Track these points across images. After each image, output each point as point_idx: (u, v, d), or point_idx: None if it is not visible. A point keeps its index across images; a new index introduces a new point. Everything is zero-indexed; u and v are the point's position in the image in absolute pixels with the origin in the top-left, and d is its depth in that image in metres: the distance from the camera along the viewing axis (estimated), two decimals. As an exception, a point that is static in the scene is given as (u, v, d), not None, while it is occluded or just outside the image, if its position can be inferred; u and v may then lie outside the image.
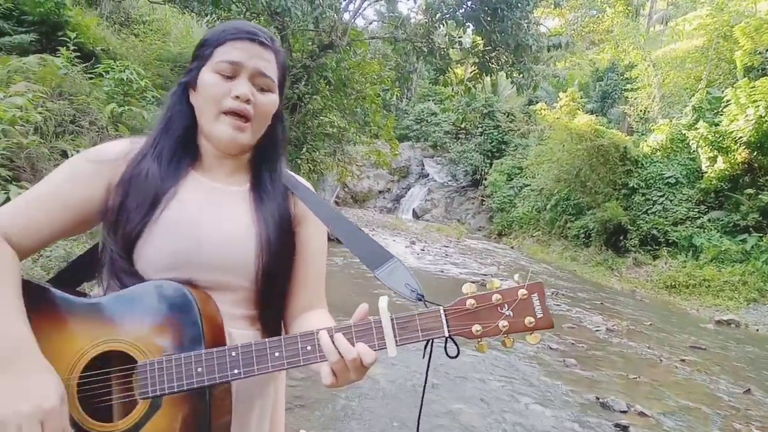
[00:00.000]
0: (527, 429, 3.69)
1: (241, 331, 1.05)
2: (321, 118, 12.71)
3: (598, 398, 4.44)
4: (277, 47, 1.08)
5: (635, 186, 15.05)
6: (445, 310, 0.95)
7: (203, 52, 1.05)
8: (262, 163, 1.13)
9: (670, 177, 14.54)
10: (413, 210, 25.65)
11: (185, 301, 0.93)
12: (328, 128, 13.17)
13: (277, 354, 0.92)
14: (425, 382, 1.08)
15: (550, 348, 5.92)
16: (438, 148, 28.21)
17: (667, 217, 14.14)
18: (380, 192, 27.17)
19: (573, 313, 8.22)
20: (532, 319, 0.94)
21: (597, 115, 18.67)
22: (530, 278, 0.96)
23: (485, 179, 24.23)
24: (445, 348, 0.96)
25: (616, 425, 3.92)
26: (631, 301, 10.47)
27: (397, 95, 16.78)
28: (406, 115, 28.63)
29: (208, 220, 1.02)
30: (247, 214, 1.06)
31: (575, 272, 14.05)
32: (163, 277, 0.98)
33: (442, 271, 10.97)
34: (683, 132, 14.35)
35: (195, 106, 1.06)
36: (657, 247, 14.00)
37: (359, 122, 13.36)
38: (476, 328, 0.94)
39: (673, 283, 12.18)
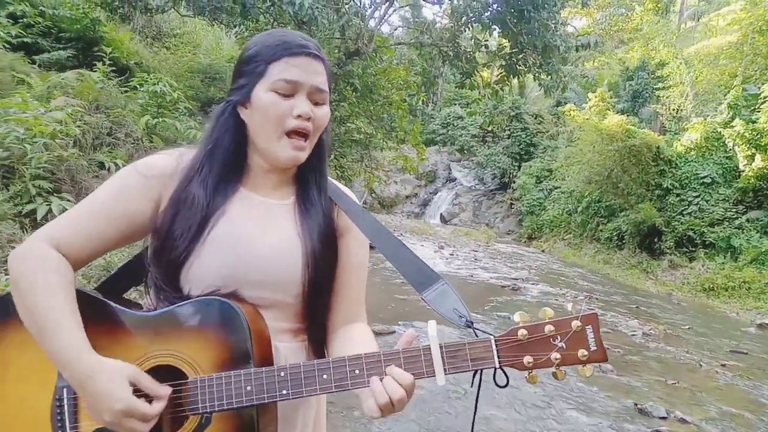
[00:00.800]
0: (563, 435, 3.63)
1: (286, 344, 1.06)
2: (348, 124, 12.81)
3: (636, 404, 4.34)
4: (324, 56, 1.07)
5: (669, 186, 14.71)
6: (496, 341, 0.93)
7: (255, 68, 1.02)
8: (310, 174, 1.12)
9: (705, 177, 14.17)
10: (441, 214, 25.55)
11: (235, 318, 0.94)
12: (355, 134, 13.28)
13: (325, 376, 0.93)
14: (475, 412, 1.07)
15: (585, 353, 5.81)
16: (465, 151, 28.08)
17: (703, 218, 13.77)
18: (407, 197, 27.16)
19: (608, 317, 8.06)
20: (586, 352, 0.92)
21: (628, 115, 18.31)
22: (586, 303, 0.95)
23: (514, 182, 23.99)
24: (494, 377, 0.95)
25: (656, 432, 3.83)
26: (667, 305, 10.21)
27: (423, 100, 16.79)
28: (432, 120, 28.58)
29: (256, 235, 1.03)
30: (293, 228, 1.07)
31: (608, 275, 13.78)
32: (207, 291, 0.99)
33: (472, 276, 10.89)
34: (719, 130, 13.96)
35: (248, 123, 1.05)
36: (693, 249, 13.63)
37: (386, 128, 13.40)
38: (527, 359, 0.92)
39: (712, 286, 11.83)
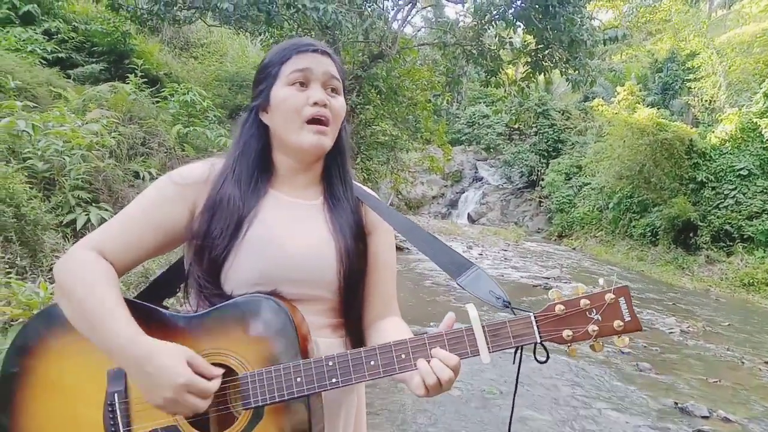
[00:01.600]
0: (602, 436, 3.58)
1: (325, 339, 1.08)
2: (373, 127, 12.85)
3: (676, 403, 4.24)
4: (333, 54, 1.13)
5: (704, 180, 14.33)
6: (535, 316, 0.96)
7: (269, 72, 1.09)
8: (333, 169, 1.16)
9: (742, 168, 13.75)
10: (468, 214, 25.36)
11: (279, 314, 0.97)
12: (380, 137, 13.31)
13: (372, 362, 0.95)
14: (515, 389, 1.09)
15: (621, 352, 5.70)
16: (491, 150, 27.83)
17: (740, 211, 13.37)
18: (434, 197, 27.04)
19: (644, 315, 7.89)
20: (621, 323, 0.95)
21: (658, 108, 17.91)
22: (615, 283, 0.97)
23: (542, 180, 23.67)
24: (534, 353, 0.97)
25: (698, 431, 3.73)
26: (705, 301, 9.95)
27: (447, 100, 16.72)
28: (457, 119, 28.44)
29: (290, 236, 1.06)
30: (324, 226, 1.10)
31: (643, 272, 13.49)
32: (249, 291, 1.01)
33: (503, 276, 10.79)
34: (754, 120, 13.55)
35: (270, 126, 1.10)
36: (731, 244, 13.25)
37: (411, 129, 13.40)
38: (567, 333, 0.96)
39: (751, 281, 11.48)
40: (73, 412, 0.99)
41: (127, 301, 1.00)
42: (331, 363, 0.95)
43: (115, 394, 0.97)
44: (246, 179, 1.08)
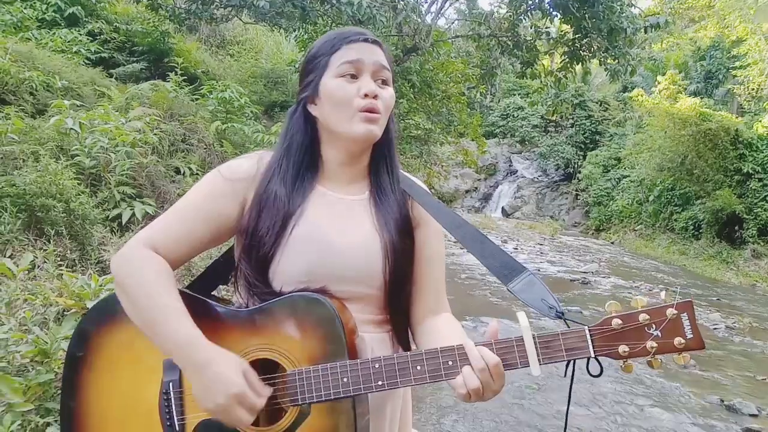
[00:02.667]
0: (645, 433, 3.50)
1: (372, 334, 1.09)
2: (407, 120, 12.80)
3: (722, 401, 4.12)
4: (383, 43, 1.11)
5: (750, 171, 13.79)
6: (590, 330, 0.93)
7: (318, 63, 1.08)
8: (380, 161, 1.15)
9: (791, 159, 13.20)
10: (502, 208, 25.09)
11: (327, 312, 0.98)
12: (413, 131, 13.25)
13: (419, 368, 0.95)
14: (568, 404, 1.07)
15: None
16: (526, 143, 27.41)
17: (790, 204, 12.84)
18: (467, 191, 26.83)
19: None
20: (682, 340, 0.91)
21: (701, 98, 17.31)
22: (679, 296, 0.92)
23: (579, 172, 23.21)
24: (587, 367, 0.95)
25: (747, 430, 3.62)
26: (752, 297, 9.60)
27: (482, 92, 16.52)
28: (491, 112, 28.06)
29: (336, 233, 1.06)
30: (370, 223, 1.09)
31: (685, 267, 13.10)
32: (297, 289, 1.03)
33: (539, 270, 10.64)
34: (805, 108, 12.97)
35: (319, 117, 1.09)
36: (780, 237, 12.76)
37: (444, 122, 13.31)
38: (623, 348, 0.92)
39: (802, 276, 11.03)
40: (131, 397, 1.04)
41: (182, 293, 1.02)
42: (377, 365, 0.95)
43: (170, 384, 1.00)
44: (292, 176, 1.08)
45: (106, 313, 1.08)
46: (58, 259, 3.31)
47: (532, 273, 1.04)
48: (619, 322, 0.92)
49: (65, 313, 2.46)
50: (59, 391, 2.02)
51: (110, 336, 1.07)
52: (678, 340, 0.90)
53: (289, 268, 1.03)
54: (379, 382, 0.95)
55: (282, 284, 1.04)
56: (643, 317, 0.92)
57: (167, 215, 1.09)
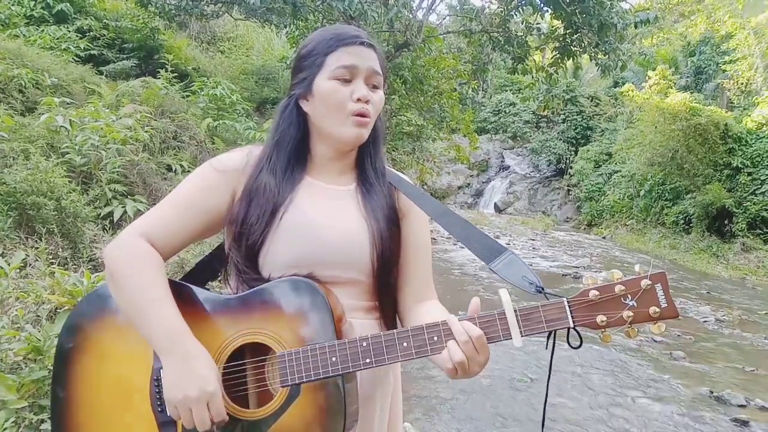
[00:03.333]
0: (635, 424, 3.54)
1: (360, 320, 1.11)
2: (399, 117, 12.81)
3: (711, 392, 4.18)
4: (377, 44, 1.13)
5: (739, 165, 13.91)
6: (569, 301, 0.96)
7: (314, 61, 1.10)
8: (366, 157, 1.18)
9: (780, 153, 13.32)
10: (495, 204, 25.14)
11: (315, 296, 1.00)
12: (405, 127, 13.26)
13: (405, 344, 0.97)
14: (549, 374, 1.10)
15: (654, 341, 5.62)
16: (518, 138, 27.48)
17: (779, 198, 12.98)
18: (459, 187, 26.85)
19: (677, 303, 7.53)
20: (657, 309, 0.94)
21: (691, 92, 17.42)
22: (653, 268, 0.95)
23: (570, 168, 23.30)
24: (567, 338, 0.98)
25: (734, 420, 3.67)
26: (741, 290, 9.71)
27: (473, 88, 16.54)
28: (483, 108, 28.09)
29: (324, 221, 1.09)
30: (358, 211, 1.12)
31: (676, 261, 13.21)
32: (286, 274, 1.05)
33: (531, 265, 10.62)
34: (794, 103, 13.09)
35: (310, 114, 1.12)
36: (768, 231, 12.89)
37: (436, 118, 13.32)
38: (600, 318, 0.95)
39: (791, 269, 11.16)
40: (122, 385, 1.05)
41: (171, 282, 1.04)
42: (365, 344, 0.97)
43: (161, 370, 1.02)
44: (282, 167, 1.11)
45: (96, 305, 1.10)
46: (50, 257, 3.30)
47: (512, 252, 1.08)
48: (597, 293, 0.95)
49: (58, 310, 2.46)
50: (53, 388, 2.03)
51: (100, 327, 1.08)
52: (653, 309, 0.94)
53: (278, 255, 1.06)
54: (367, 360, 0.97)
55: (271, 271, 1.06)
56: (619, 288, 0.95)
57: (161, 206, 1.11)
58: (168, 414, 1.00)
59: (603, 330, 0.96)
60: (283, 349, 0.99)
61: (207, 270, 1.26)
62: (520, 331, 0.95)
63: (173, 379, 0.95)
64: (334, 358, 0.97)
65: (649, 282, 0.95)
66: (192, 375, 0.94)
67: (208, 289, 1.15)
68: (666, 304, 0.95)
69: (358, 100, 1.07)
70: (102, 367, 1.07)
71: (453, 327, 0.96)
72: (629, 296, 0.95)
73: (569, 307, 0.96)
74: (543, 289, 1.01)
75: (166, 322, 0.97)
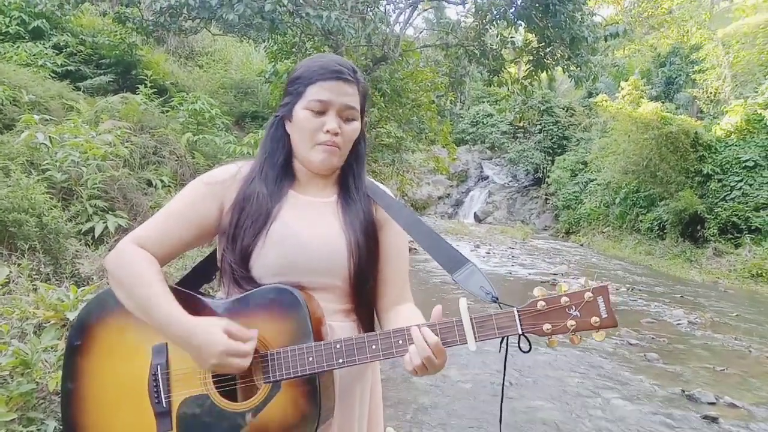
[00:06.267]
0: (610, 423, 3.66)
1: (339, 323, 1.22)
2: (378, 129, 12.94)
3: (683, 391, 4.32)
4: (359, 78, 1.22)
5: (710, 172, 14.34)
6: (518, 311, 1.08)
7: (297, 89, 1.21)
8: (349, 175, 1.29)
9: (747, 160, 13.76)
10: (474, 213, 25.40)
11: (296, 302, 1.12)
12: (385, 139, 13.39)
13: (374, 347, 1.09)
14: (504, 374, 1.20)
15: (629, 344, 5.78)
16: (496, 149, 27.87)
17: (747, 203, 13.38)
18: (440, 198, 27.08)
19: (651, 308, 7.95)
20: (598, 319, 1.06)
21: (663, 102, 17.91)
22: (598, 279, 1.07)
23: (548, 177, 23.71)
24: (519, 344, 1.09)
25: (705, 417, 3.81)
26: (713, 293, 9.98)
27: (451, 100, 16.78)
28: (461, 119, 28.43)
29: (306, 231, 1.19)
30: (337, 222, 1.23)
31: (651, 267, 13.52)
32: (274, 281, 1.16)
33: (510, 273, 10.87)
34: (760, 112, 13.55)
35: (291, 136, 1.24)
36: (739, 235, 13.26)
37: (415, 130, 13.49)
38: (546, 326, 1.07)
39: (760, 272, 11.50)
40: (123, 379, 1.16)
41: (171, 288, 1.15)
42: (338, 346, 1.09)
43: (158, 366, 1.13)
44: (272, 179, 1.22)
45: (101, 308, 1.21)
46: (33, 273, 3.32)
47: (473, 264, 1.19)
48: (544, 304, 1.07)
49: (43, 325, 2.49)
50: (41, 401, 2.07)
51: (104, 327, 1.19)
52: (594, 319, 1.05)
53: (266, 261, 1.16)
54: (340, 360, 1.08)
55: (261, 275, 1.17)
56: (564, 300, 1.07)
57: (155, 218, 1.22)
58: (164, 406, 1.11)
59: (549, 336, 1.08)
60: (266, 350, 1.11)
61: (202, 274, 1.37)
62: (475, 337, 1.06)
63: (196, 357, 1.07)
64: (311, 359, 1.08)
65: (591, 295, 1.06)
66: (202, 347, 1.05)
67: (203, 293, 1.26)
68: (606, 315, 1.05)
69: (327, 131, 1.17)
70: (106, 363, 1.18)
71: (413, 334, 1.06)
72: (573, 307, 1.06)
73: (519, 316, 1.07)
74: (497, 299, 1.13)
75: (169, 315, 1.08)
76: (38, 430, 1.98)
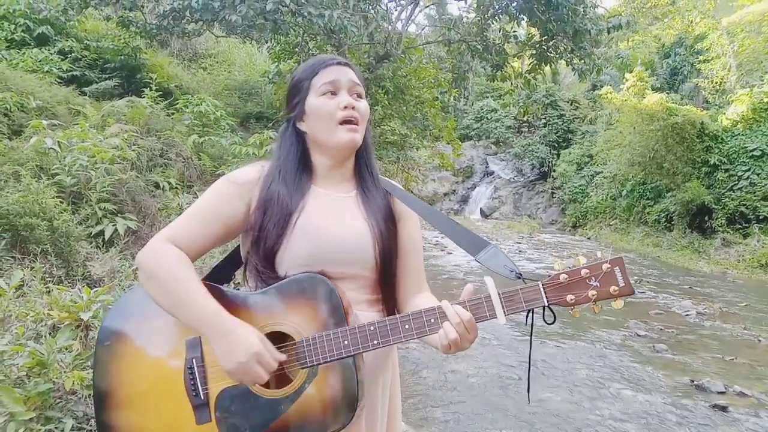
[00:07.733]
0: (620, 414, 3.68)
1: (364, 312, 1.26)
2: (382, 127, 12.96)
3: (692, 381, 4.33)
4: (352, 65, 1.33)
5: (717, 162, 14.25)
6: (543, 284, 1.13)
7: (301, 87, 1.29)
8: (363, 166, 1.35)
9: (755, 149, 13.67)
10: (480, 209, 25.41)
11: (329, 290, 1.16)
12: (389, 136, 13.42)
13: (407, 326, 1.14)
14: (530, 346, 1.25)
15: (638, 335, 5.79)
16: (501, 144, 27.86)
17: (755, 192, 13.30)
18: (445, 194, 27.09)
19: (660, 299, 7.94)
20: (616, 288, 1.11)
21: (667, 93, 17.81)
22: (611, 254, 1.13)
23: (553, 171, 23.65)
24: (543, 316, 1.14)
25: (714, 406, 3.82)
26: (722, 284, 9.95)
27: (455, 96, 16.78)
28: (465, 115, 28.45)
29: (332, 224, 1.25)
30: (360, 214, 1.29)
31: (659, 258, 13.47)
32: (300, 272, 1.20)
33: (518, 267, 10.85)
34: (766, 100, 13.45)
35: (307, 131, 1.30)
36: (747, 225, 13.19)
37: (419, 127, 13.51)
38: (570, 297, 1.13)
39: (769, 261, 11.44)
40: (158, 375, 1.20)
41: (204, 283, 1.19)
42: (372, 328, 1.14)
43: (194, 359, 1.17)
44: (291, 178, 1.27)
45: (126, 309, 1.25)
46: (46, 276, 3.37)
47: (495, 245, 1.25)
48: (566, 276, 1.13)
49: (58, 326, 2.53)
50: (58, 400, 2.12)
51: (133, 326, 1.23)
52: (613, 288, 1.11)
53: (293, 255, 1.20)
54: (375, 341, 1.13)
55: (287, 269, 1.21)
56: (584, 272, 1.13)
57: (184, 217, 1.26)
58: (201, 398, 1.15)
59: (572, 307, 1.14)
60: (301, 337, 1.15)
61: (222, 274, 1.41)
62: (504, 311, 1.12)
63: (224, 352, 1.10)
64: (346, 342, 1.13)
65: (609, 266, 1.12)
66: (236, 344, 1.08)
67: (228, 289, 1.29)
68: (624, 284, 1.11)
69: (345, 107, 1.24)
70: (137, 361, 1.21)
71: (447, 311, 1.13)
72: (593, 278, 1.12)
73: (543, 288, 1.12)
74: (522, 275, 1.18)
75: (205, 308, 1.11)
76: (56, 428, 2.02)
